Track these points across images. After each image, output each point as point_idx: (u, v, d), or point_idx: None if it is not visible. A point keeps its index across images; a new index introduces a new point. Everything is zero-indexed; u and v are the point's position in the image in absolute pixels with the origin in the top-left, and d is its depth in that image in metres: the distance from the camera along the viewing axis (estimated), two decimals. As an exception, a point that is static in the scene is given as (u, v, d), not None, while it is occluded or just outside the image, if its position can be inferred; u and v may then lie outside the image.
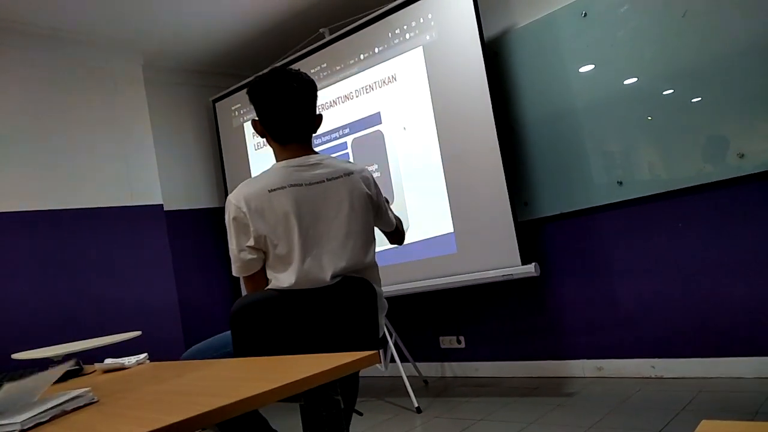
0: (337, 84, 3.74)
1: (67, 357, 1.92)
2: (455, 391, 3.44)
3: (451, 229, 3.26)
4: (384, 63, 3.50)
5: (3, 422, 0.96)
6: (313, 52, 3.86)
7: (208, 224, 4.45)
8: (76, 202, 3.50)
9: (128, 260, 3.63)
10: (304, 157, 1.74)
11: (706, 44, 2.68)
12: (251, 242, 1.63)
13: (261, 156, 4.17)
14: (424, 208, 3.38)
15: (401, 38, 3.41)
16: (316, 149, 1.84)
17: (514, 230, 3.00)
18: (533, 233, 3.31)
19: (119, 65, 3.84)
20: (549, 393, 3.06)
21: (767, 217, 2.62)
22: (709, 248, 2.78)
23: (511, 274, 2.99)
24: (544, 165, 3.23)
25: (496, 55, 3.33)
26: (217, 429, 1.66)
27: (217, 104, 4.47)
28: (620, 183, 2.98)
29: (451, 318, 3.76)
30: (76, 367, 1.72)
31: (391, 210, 1.94)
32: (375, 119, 3.57)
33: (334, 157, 1.87)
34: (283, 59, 4.03)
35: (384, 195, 1.93)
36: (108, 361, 1.70)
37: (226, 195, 4.34)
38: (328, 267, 1.65)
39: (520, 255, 2.98)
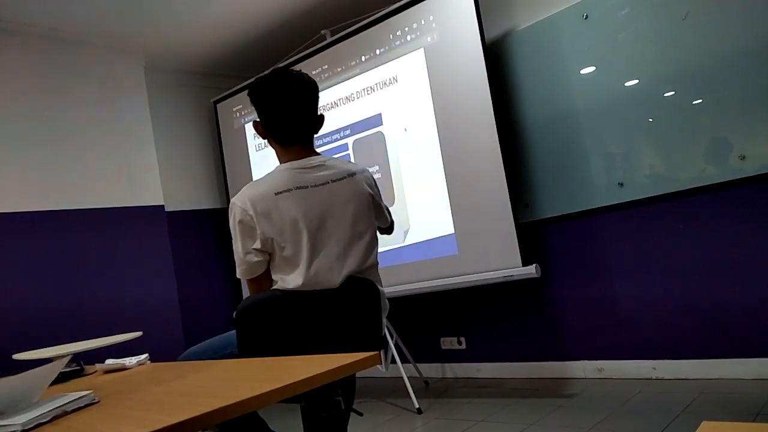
0: (338, 85, 3.75)
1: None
2: (456, 392, 3.44)
3: (452, 230, 3.26)
4: (385, 65, 3.51)
5: (4, 423, 0.96)
6: (315, 54, 3.86)
7: (209, 225, 4.45)
8: (78, 203, 3.51)
9: (129, 261, 3.63)
10: (307, 158, 1.74)
11: (707, 46, 2.68)
12: (257, 245, 1.63)
13: (262, 157, 4.17)
14: (425, 209, 3.38)
15: (402, 40, 3.42)
16: (318, 150, 1.84)
17: (515, 231, 3.00)
18: (534, 234, 3.31)
19: (121, 66, 3.85)
20: (550, 394, 3.06)
21: (768, 219, 2.62)
22: (710, 250, 2.78)
23: (512, 276, 2.99)
24: (545, 166, 3.23)
25: (497, 57, 3.33)
26: (218, 430, 1.66)
27: (218, 105, 4.48)
28: (621, 184, 2.98)
29: (451, 319, 3.76)
30: (77, 367, 1.73)
31: (385, 205, 1.95)
32: (376, 120, 3.57)
33: (336, 158, 1.87)
34: (285, 61, 4.03)
35: (384, 196, 1.93)
36: (109, 361, 1.71)
37: (227, 196, 4.39)
38: (336, 269, 1.66)
39: (521, 256, 2.98)
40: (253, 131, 4.41)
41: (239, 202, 1.66)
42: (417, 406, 3.11)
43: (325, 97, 3.72)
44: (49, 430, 0.96)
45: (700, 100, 2.73)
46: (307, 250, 1.64)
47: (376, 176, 3.29)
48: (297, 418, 1.72)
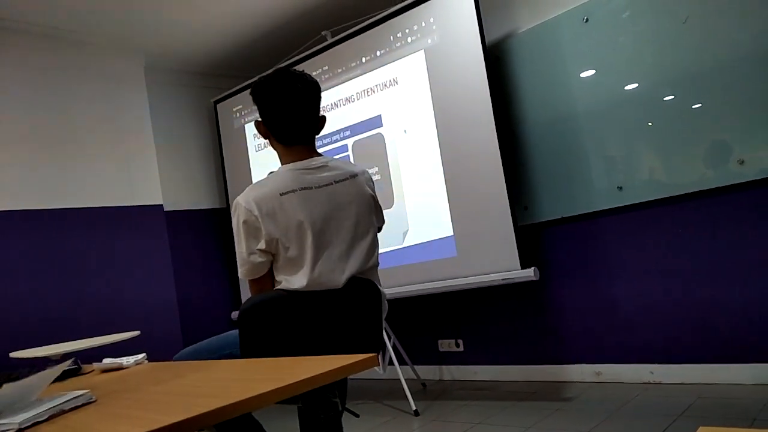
0: (338, 86, 3.75)
1: (65, 356, 1.92)
2: (453, 395, 3.44)
3: (451, 233, 3.26)
4: (385, 66, 3.51)
5: (1, 422, 0.96)
6: (315, 55, 3.87)
7: (208, 225, 4.45)
8: (77, 202, 3.51)
9: (128, 260, 3.63)
10: (309, 159, 1.74)
11: (707, 50, 2.69)
12: (262, 245, 1.63)
13: (262, 157, 4.17)
14: (425, 211, 3.38)
15: (403, 41, 3.42)
16: (318, 151, 1.84)
17: (513, 234, 3.00)
18: (533, 237, 3.31)
19: (121, 66, 3.85)
20: (547, 397, 3.06)
21: (767, 224, 2.62)
22: (708, 254, 2.78)
23: (511, 278, 2.99)
24: (545, 169, 3.23)
25: (497, 59, 3.34)
26: (215, 430, 1.66)
27: (218, 105, 4.48)
28: (620, 188, 2.99)
29: (450, 321, 3.76)
30: (75, 366, 1.72)
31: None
32: (376, 122, 3.58)
33: (337, 159, 1.88)
34: (285, 61, 4.04)
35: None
36: (106, 360, 1.70)
37: (227, 196, 4.39)
38: (339, 269, 1.66)
39: (520, 259, 2.98)
40: (254, 131, 4.41)
41: (244, 203, 1.65)
42: (414, 408, 3.11)
43: (325, 98, 3.71)
44: (46, 429, 0.96)
45: (700, 104, 2.73)
46: (311, 251, 1.63)
47: (375, 178, 3.30)
48: (294, 419, 1.72)
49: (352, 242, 1.70)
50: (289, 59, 4.01)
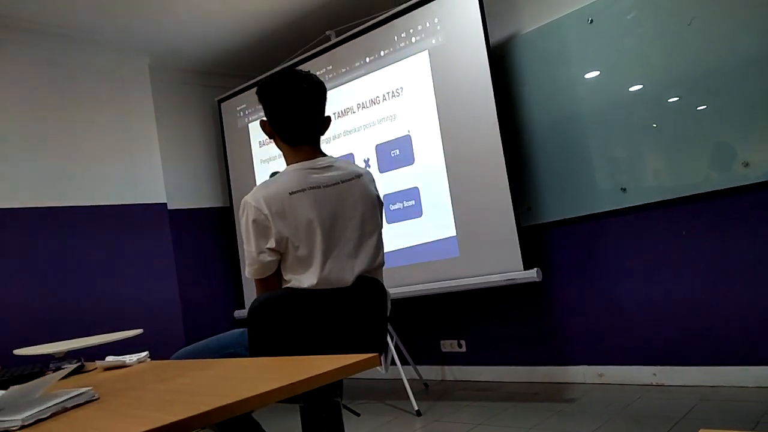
0: (342, 86, 3.75)
1: (68, 354, 1.93)
2: (455, 395, 3.43)
3: (454, 233, 3.26)
4: (389, 66, 3.51)
5: (4, 419, 0.96)
6: (319, 55, 3.87)
7: (211, 224, 4.46)
8: (81, 200, 3.52)
9: (131, 258, 3.64)
10: (316, 159, 1.75)
11: (712, 52, 2.68)
12: (271, 244, 1.62)
13: (265, 157, 4.17)
14: (427, 211, 3.38)
15: (407, 42, 3.42)
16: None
17: (516, 235, 3.00)
18: (536, 238, 3.30)
19: (126, 64, 3.86)
20: (549, 399, 3.06)
21: (771, 227, 2.62)
22: (712, 256, 2.77)
23: (513, 279, 2.99)
24: (548, 170, 3.23)
25: (501, 60, 3.33)
26: (217, 428, 1.67)
27: (222, 104, 4.49)
28: (624, 189, 2.98)
29: (452, 322, 3.76)
30: (78, 364, 1.73)
31: None
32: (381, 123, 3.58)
33: (341, 159, 1.88)
34: (289, 61, 4.04)
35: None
36: (109, 358, 1.71)
37: (230, 195, 4.40)
38: (348, 268, 1.68)
39: (523, 260, 2.98)
40: (258, 130, 4.41)
41: (253, 201, 1.64)
42: (416, 408, 3.11)
43: (329, 100, 3.73)
44: (48, 426, 0.96)
45: (705, 106, 2.72)
46: (320, 250, 1.64)
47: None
48: (296, 418, 1.72)
49: (359, 241, 1.72)
50: (293, 59, 4.01)
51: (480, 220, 3.15)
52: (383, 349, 1.83)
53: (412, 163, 3.44)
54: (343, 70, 3.75)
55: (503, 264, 3.04)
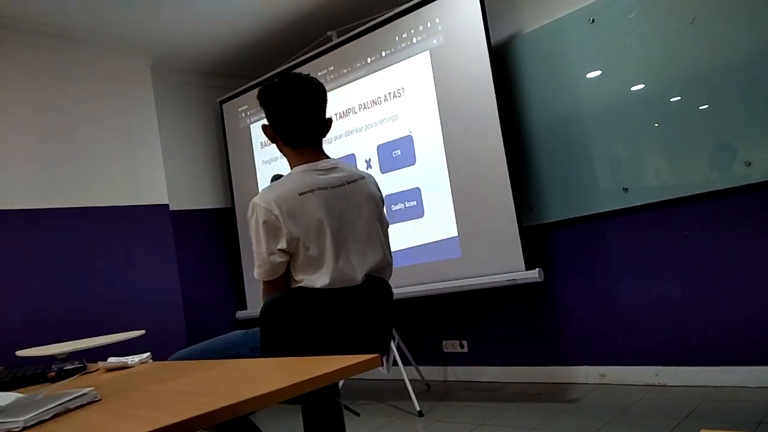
0: (344, 87, 3.75)
1: (70, 354, 1.93)
2: (457, 396, 3.43)
3: (456, 233, 3.26)
4: (391, 67, 3.51)
5: (6, 420, 0.96)
6: (321, 55, 3.87)
7: (213, 225, 4.46)
8: (83, 201, 3.52)
9: (133, 259, 3.64)
10: (320, 161, 1.77)
11: (713, 51, 2.67)
12: (282, 245, 1.63)
13: (267, 158, 4.18)
14: (429, 211, 3.38)
15: (408, 42, 3.42)
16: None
17: (518, 235, 3.00)
18: (538, 238, 3.30)
19: (128, 65, 3.86)
20: (551, 399, 3.05)
21: (773, 226, 2.61)
22: (714, 256, 2.77)
23: (515, 279, 2.99)
24: (550, 170, 3.22)
25: (503, 60, 3.33)
26: (218, 430, 1.67)
27: (224, 105, 4.49)
28: (626, 189, 2.98)
29: (454, 322, 3.76)
30: (80, 365, 1.73)
31: None
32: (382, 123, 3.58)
33: (342, 161, 1.89)
34: (291, 61, 4.04)
35: None
36: (111, 359, 1.71)
37: (232, 196, 4.40)
38: (357, 267, 1.70)
39: (525, 260, 2.98)
40: (260, 131, 4.43)
41: (263, 203, 1.64)
42: (418, 408, 3.11)
43: (331, 101, 3.73)
44: (50, 427, 0.97)
45: (707, 106, 2.72)
46: (331, 249, 1.66)
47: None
48: (297, 419, 1.72)
49: (367, 241, 1.74)
50: (295, 59, 4.01)
51: (482, 221, 3.14)
52: (388, 348, 1.86)
53: (414, 164, 3.44)
54: (345, 70, 3.75)
55: (505, 264, 3.04)
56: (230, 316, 4.35)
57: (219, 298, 4.37)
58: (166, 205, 3.89)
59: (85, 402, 1.09)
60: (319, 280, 1.64)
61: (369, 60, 3.62)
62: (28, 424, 0.96)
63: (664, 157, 2.90)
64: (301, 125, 1.75)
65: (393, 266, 1.86)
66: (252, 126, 4.30)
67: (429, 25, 3.31)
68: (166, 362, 1.71)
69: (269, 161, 4.13)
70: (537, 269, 2.95)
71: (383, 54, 3.55)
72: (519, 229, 3.00)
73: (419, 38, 3.36)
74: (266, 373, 1.25)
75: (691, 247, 2.83)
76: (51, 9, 3.31)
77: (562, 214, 3.20)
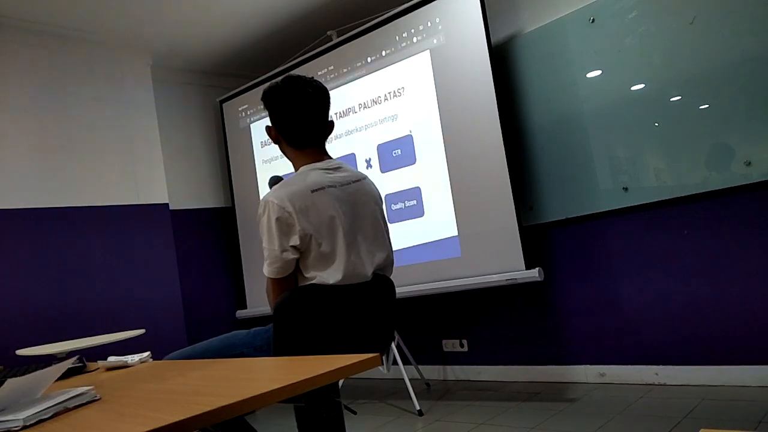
0: (344, 86, 3.75)
1: (71, 354, 1.93)
2: (457, 395, 3.43)
3: (456, 233, 3.26)
4: (391, 66, 3.51)
5: (5, 419, 0.97)
6: (321, 55, 3.87)
7: (213, 224, 4.46)
8: (83, 200, 3.52)
9: (133, 258, 3.64)
10: (325, 161, 1.80)
11: (714, 51, 2.67)
12: (295, 242, 1.64)
13: (267, 157, 4.18)
14: (429, 210, 3.38)
15: (408, 42, 3.42)
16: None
17: (518, 234, 3.00)
18: (538, 238, 3.30)
19: (128, 65, 3.86)
20: (551, 398, 3.06)
21: (773, 226, 2.61)
22: (714, 256, 2.77)
23: (515, 279, 2.99)
24: (550, 170, 3.22)
25: (503, 59, 3.33)
26: (212, 430, 1.66)
27: (224, 105, 4.49)
28: (626, 189, 2.98)
29: (454, 321, 3.76)
30: (80, 364, 1.73)
31: None
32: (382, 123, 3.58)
33: (343, 161, 1.92)
34: (291, 61, 4.04)
35: None
36: (111, 358, 1.71)
37: (232, 195, 4.40)
38: (368, 263, 1.74)
39: (524, 259, 2.98)
40: (260, 131, 4.43)
41: (276, 200, 1.65)
42: (418, 408, 3.11)
43: (331, 100, 3.73)
44: (50, 426, 0.97)
45: (707, 105, 2.72)
46: (344, 245, 1.68)
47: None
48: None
49: (373, 238, 1.78)
50: (295, 59, 4.01)
51: (482, 220, 3.15)
52: (390, 344, 1.90)
53: (414, 163, 3.44)
54: (345, 70, 3.75)
55: (505, 264, 3.04)
56: (230, 315, 4.35)
57: (219, 298, 4.37)
58: (166, 205, 3.89)
59: (84, 401, 1.09)
60: (332, 276, 1.66)
61: (369, 59, 3.62)
62: (27, 423, 0.96)
63: (664, 156, 2.90)
64: (305, 126, 1.77)
65: (395, 266, 1.89)
66: (252, 125, 4.31)
67: (429, 24, 3.31)
68: (165, 361, 1.71)
69: (269, 160, 4.13)
70: (537, 269, 2.95)
71: (383, 53, 3.55)
72: (519, 229, 3.00)
73: (419, 38, 3.36)
74: (265, 373, 1.25)
75: (690, 246, 2.83)
76: (51, 9, 3.31)
77: (562, 214, 3.20)
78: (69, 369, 1.67)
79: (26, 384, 1.10)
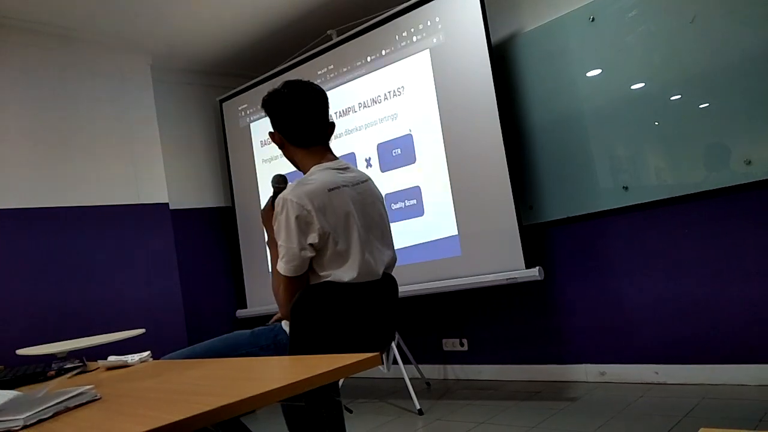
0: (343, 86, 3.75)
1: (71, 353, 1.93)
2: (457, 394, 3.43)
3: (456, 232, 3.26)
4: (391, 65, 3.51)
5: (6, 418, 0.97)
6: (320, 54, 3.87)
7: (213, 223, 4.46)
8: (83, 200, 3.52)
9: (133, 258, 3.64)
10: (333, 160, 1.83)
11: (714, 50, 2.67)
12: (313, 240, 1.65)
13: (267, 156, 4.18)
14: (429, 210, 3.38)
15: (408, 41, 3.42)
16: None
17: (518, 234, 3.00)
18: (538, 237, 3.30)
19: (128, 64, 3.86)
20: (551, 397, 3.06)
21: (773, 225, 2.61)
22: (714, 255, 2.77)
23: (515, 278, 2.99)
24: (550, 169, 3.22)
25: (503, 58, 3.33)
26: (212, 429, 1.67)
27: (224, 104, 4.49)
28: (626, 188, 2.98)
29: (454, 320, 3.76)
30: (80, 363, 1.73)
31: None
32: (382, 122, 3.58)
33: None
34: (290, 60, 4.04)
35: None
36: (111, 358, 1.71)
37: (232, 195, 4.40)
38: (379, 261, 1.78)
39: (525, 259, 2.98)
40: (260, 130, 4.42)
41: (295, 198, 1.65)
42: (418, 407, 3.11)
43: (331, 100, 3.73)
44: (50, 425, 0.97)
45: (707, 104, 2.72)
46: (358, 243, 1.71)
47: (380, 177, 3.30)
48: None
49: (381, 238, 1.83)
50: (295, 58, 4.01)
51: (482, 219, 3.14)
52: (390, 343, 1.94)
53: (414, 162, 3.44)
54: (345, 69, 3.75)
55: (505, 263, 3.04)
56: (230, 315, 4.35)
57: (219, 297, 4.37)
58: (166, 204, 3.89)
59: (84, 401, 1.09)
60: (346, 273, 1.68)
61: (369, 59, 3.62)
62: (27, 423, 0.96)
63: (664, 155, 2.90)
64: (311, 124, 1.80)
65: (396, 265, 1.92)
66: (252, 125, 4.30)
67: (429, 23, 3.31)
68: (165, 361, 1.71)
69: (269, 160, 4.13)
70: (537, 268, 2.95)
71: (383, 53, 3.55)
72: (519, 228, 3.00)
73: (419, 37, 3.36)
74: (265, 372, 1.25)
75: (691, 245, 2.83)
76: (51, 9, 3.31)
77: (562, 213, 3.20)
78: (69, 369, 1.68)
79: (33, 399, 1.09)
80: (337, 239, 1.68)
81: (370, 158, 3.65)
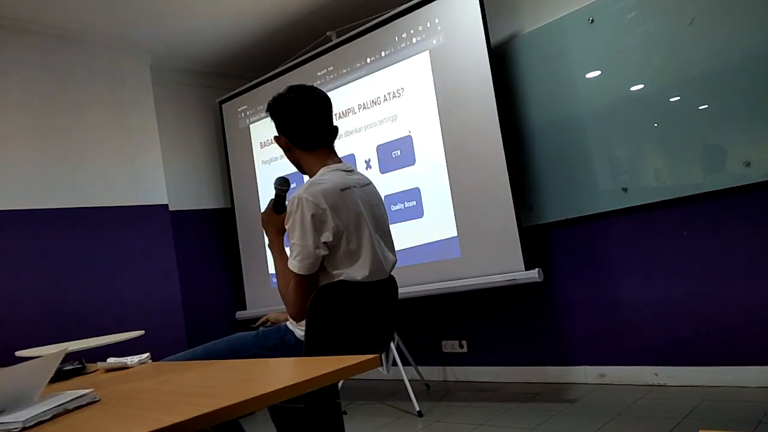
0: (343, 87, 3.75)
1: (70, 355, 1.93)
2: (457, 396, 3.43)
3: (455, 233, 3.26)
4: (390, 67, 3.51)
5: (5, 420, 0.96)
6: (320, 55, 3.87)
7: (213, 225, 4.46)
8: (83, 201, 3.52)
9: (133, 260, 3.64)
10: (339, 163, 1.86)
11: (713, 51, 2.67)
12: (327, 238, 1.66)
13: (266, 158, 4.18)
14: (429, 211, 3.38)
15: (408, 42, 3.42)
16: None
17: (518, 235, 3.00)
18: (537, 238, 3.30)
19: (127, 65, 3.86)
20: (551, 399, 3.06)
21: (773, 226, 2.61)
22: (714, 256, 2.77)
23: (515, 279, 2.99)
24: (550, 170, 3.22)
25: (502, 60, 3.33)
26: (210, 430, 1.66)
27: (223, 105, 4.49)
28: (625, 189, 2.98)
29: (453, 322, 3.76)
30: (79, 365, 1.73)
31: None
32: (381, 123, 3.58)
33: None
34: (290, 61, 4.04)
35: None
36: (110, 360, 1.71)
37: (231, 196, 4.40)
38: (386, 261, 1.82)
39: (524, 260, 2.98)
40: (260, 131, 4.43)
41: (310, 197, 1.66)
42: (418, 409, 3.11)
43: (331, 101, 3.74)
44: (49, 428, 0.97)
45: (706, 106, 2.72)
46: (369, 242, 1.74)
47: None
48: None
49: (386, 238, 1.87)
50: (294, 59, 4.01)
51: (481, 221, 3.14)
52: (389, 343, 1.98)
53: (413, 164, 3.44)
54: (344, 70, 3.75)
55: (505, 264, 3.04)
56: (230, 316, 4.35)
57: (219, 299, 4.36)
58: (166, 206, 3.89)
59: (84, 403, 1.09)
60: (358, 272, 1.71)
61: (368, 60, 3.62)
62: (27, 425, 0.96)
63: (663, 157, 2.91)
64: (317, 126, 1.82)
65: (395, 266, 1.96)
66: (251, 126, 4.30)
67: (428, 25, 3.31)
68: (165, 363, 1.71)
69: (269, 161, 4.13)
70: (536, 269, 2.95)
71: (383, 54, 3.55)
72: (518, 230, 3.00)
73: (419, 38, 3.36)
74: (265, 374, 1.25)
75: (690, 247, 2.83)
76: (50, 9, 3.31)
77: (562, 215, 3.20)
78: (69, 371, 1.67)
79: (17, 375, 1.09)
80: (350, 238, 1.71)
81: (369, 160, 3.65)
